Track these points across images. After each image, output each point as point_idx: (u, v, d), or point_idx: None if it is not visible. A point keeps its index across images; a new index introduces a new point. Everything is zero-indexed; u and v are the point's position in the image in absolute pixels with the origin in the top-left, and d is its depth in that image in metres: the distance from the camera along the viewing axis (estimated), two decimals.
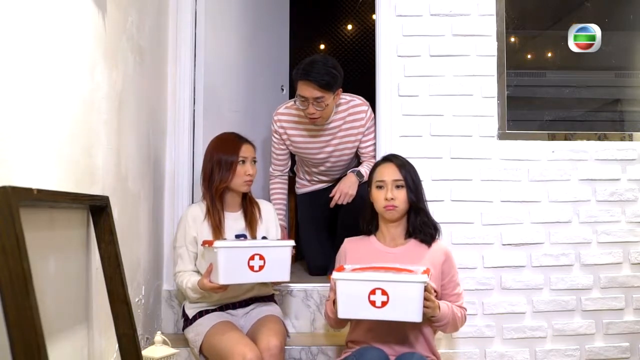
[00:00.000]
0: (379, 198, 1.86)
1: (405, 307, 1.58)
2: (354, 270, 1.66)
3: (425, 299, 1.60)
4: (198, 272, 2.06)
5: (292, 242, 1.93)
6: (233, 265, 1.83)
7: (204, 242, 1.91)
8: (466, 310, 1.88)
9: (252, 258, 1.84)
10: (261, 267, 1.85)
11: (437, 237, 1.89)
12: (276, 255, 1.88)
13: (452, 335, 2.28)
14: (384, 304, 1.57)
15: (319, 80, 2.29)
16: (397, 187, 1.85)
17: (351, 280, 1.61)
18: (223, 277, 1.82)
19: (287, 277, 1.93)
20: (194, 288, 1.96)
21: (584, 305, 2.36)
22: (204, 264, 1.96)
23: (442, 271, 1.83)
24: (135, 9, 1.90)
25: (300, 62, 2.37)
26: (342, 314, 1.64)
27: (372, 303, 1.58)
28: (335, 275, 1.62)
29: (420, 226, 1.86)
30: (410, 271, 1.63)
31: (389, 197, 1.83)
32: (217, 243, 1.82)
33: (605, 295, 2.37)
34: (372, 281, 1.59)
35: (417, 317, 1.59)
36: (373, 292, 1.58)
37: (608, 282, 2.37)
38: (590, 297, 2.36)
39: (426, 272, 1.62)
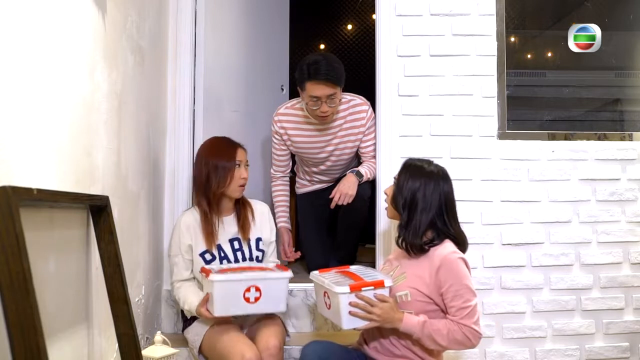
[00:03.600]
0: None
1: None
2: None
3: (355, 305, 1.68)
4: (194, 278, 2.07)
5: (289, 274, 1.91)
6: (228, 298, 1.82)
7: (202, 270, 1.90)
8: (471, 328, 1.66)
9: (247, 290, 1.83)
10: (257, 299, 1.84)
11: (418, 247, 1.75)
12: (272, 286, 1.87)
13: None
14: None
15: (331, 77, 2.29)
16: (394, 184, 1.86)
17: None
18: (218, 310, 1.82)
19: (283, 309, 1.93)
20: (191, 311, 1.96)
21: (584, 305, 2.36)
22: (205, 288, 1.94)
23: (438, 278, 1.70)
24: (135, 9, 1.90)
25: (301, 65, 2.35)
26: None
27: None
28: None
29: (398, 235, 1.80)
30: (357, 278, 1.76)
31: (384, 191, 1.94)
32: (212, 276, 1.80)
33: (605, 295, 2.37)
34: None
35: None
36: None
37: (608, 281, 2.37)
38: (590, 297, 2.36)
39: (360, 285, 1.70)
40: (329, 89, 2.31)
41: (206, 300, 1.87)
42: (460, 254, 1.74)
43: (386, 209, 1.92)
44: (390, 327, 1.69)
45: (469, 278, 1.71)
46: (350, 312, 1.69)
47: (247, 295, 1.83)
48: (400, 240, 1.78)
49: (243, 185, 2.06)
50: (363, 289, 1.69)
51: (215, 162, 2.03)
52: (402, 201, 1.77)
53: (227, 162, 2.03)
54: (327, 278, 1.79)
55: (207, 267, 1.92)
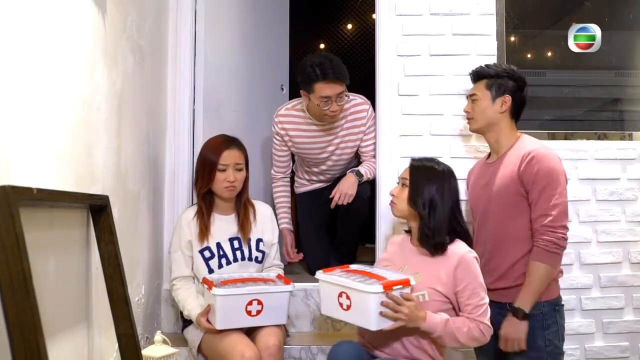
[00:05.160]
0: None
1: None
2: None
3: (385, 305, 1.63)
4: (195, 278, 2.06)
5: (291, 288, 1.90)
6: (231, 311, 1.81)
7: (204, 281, 1.89)
8: (485, 325, 1.70)
9: (249, 303, 1.82)
10: (259, 312, 1.84)
11: (443, 245, 1.76)
12: (274, 300, 1.87)
13: None
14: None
15: (339, 75, 2.31)
16: (403, 185, 1.85)
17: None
18: (220, 323, 1.81)
19: (283, 321, 1.93)
20: (190, 317, 1.96)
21: (584, 305, 2.35)
22: (206, 299, 1.94)
23: (455, 277, 1.72)
24: (135, 9, 1.90)
25: (304, 68, 2.34)
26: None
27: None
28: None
29: (421, 235, 1.80)
30: (381, 277, 1.69)
31: (390, 192, 1.89)
32: (215, 290, 1.79)
33: (605, 295, 2.37)
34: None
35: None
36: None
37: (608, 281, 2.37)
38: (590, 297, 2.36)
39: (391, 284, 1.64)
40: (339, 86, 2.32)
41: (207, 311, 1.87)
42: (474, 253, 1.77)
43: (390, 203, 1.88)
44: (413, 326, 1.66)
45: (482, 277, 1.74)
46: (381, 313, 1.63)
47: (249, 308, 1.83)
48: (423, 241, 1.78)
49: (229, 188, 2.01)
50: (394, 287, 1.65)
51: (204, 159, 2.03)
52: (421, 202, 1.77)
53: (210, 161, 2.00)
54: (347, 277, 1.71)
55: (208, 277, 1.91)
